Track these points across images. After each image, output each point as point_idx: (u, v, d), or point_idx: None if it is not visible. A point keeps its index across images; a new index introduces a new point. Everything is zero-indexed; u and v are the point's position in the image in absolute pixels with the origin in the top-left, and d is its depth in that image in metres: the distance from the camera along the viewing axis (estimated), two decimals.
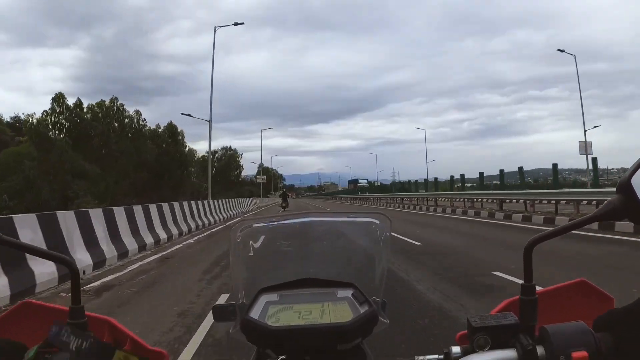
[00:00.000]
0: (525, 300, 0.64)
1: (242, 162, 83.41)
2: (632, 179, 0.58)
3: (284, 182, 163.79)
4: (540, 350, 0.59)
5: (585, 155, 24.13)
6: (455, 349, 0.64)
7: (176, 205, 13.22)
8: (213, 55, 26.03)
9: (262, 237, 0.81)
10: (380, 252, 0.79)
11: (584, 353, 0.56)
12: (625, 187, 0.58)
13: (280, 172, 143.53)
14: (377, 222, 0.79)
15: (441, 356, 0.64)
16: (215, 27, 26.13)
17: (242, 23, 27.21)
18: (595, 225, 9.69)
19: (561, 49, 27.53)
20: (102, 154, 41.80)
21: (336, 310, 0.72)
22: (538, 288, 0.67)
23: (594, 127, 28.02)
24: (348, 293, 0.75)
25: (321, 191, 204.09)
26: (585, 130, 26.02)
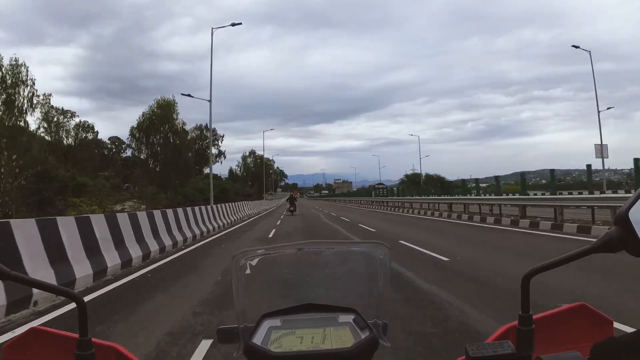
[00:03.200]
0: (522, 331, 0.65)
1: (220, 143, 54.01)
2: (630, 212, 0.58)
3: (286, 181, 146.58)
4: None
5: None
6: None
7: None
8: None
9: (264, 264, 0.82)
10: (380, 278, 0.80)
11: None
12: (623, 219, 0.58)
13: (281, 168, 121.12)
14: (376, 250, 0.81)
15: None
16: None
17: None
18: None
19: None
20: None
21: (338, 335, 0.74)
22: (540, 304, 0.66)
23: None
24: (349, 318, 0.77)
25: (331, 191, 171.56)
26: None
